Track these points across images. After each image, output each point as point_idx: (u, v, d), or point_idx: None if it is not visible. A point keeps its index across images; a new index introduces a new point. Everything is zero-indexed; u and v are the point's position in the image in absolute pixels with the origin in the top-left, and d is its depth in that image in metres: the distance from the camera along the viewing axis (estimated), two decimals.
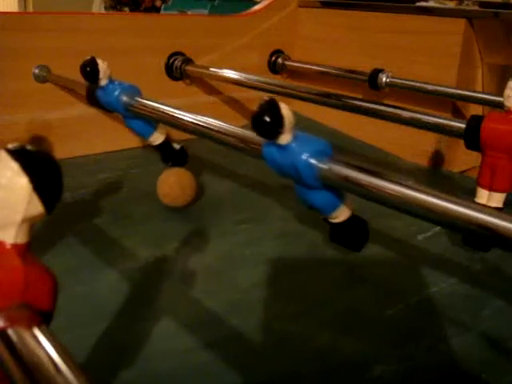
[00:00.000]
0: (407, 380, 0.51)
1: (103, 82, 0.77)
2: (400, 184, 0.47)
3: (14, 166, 0.27)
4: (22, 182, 0.27)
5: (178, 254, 0.71)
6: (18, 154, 0.27)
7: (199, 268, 0.68)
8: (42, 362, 0.26)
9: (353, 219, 0.63)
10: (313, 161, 0.52)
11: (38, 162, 0.27)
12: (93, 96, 0.81)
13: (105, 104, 0.79)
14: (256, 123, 0.49)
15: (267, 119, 0.49)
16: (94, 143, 1.04)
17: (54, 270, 0.63)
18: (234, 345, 0.55)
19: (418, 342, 0.56)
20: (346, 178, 0.50)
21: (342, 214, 0.62)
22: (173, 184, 0.81)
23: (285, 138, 0.52)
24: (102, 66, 0.75)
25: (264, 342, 0.55)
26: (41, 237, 0.71)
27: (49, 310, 0.29)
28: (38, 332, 0.27)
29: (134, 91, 0.78)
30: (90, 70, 0.75)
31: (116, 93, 0.76)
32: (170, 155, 0.86)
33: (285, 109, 0.50)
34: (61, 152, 0.97)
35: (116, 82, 0.77)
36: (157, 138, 0.83)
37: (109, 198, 0.86)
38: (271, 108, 0.50)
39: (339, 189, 0.56)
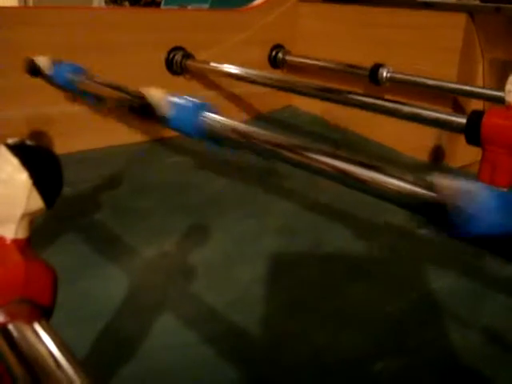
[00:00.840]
0: (408, 375, 0.51)
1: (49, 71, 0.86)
2: (395, 177, 0.47)
3: (14, 161, 0.27)
4: (22, 177, 0.27)
5: (178, 250, 0.71)
6: (18, 149, 0.27)
7: (200, 263, 0.68)
8: (42, 357, 0.26)
9: None
10: None
11: (37, 157, 0.27)
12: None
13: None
14: None
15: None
16: (94, 138, 1.03)
17: (56, 266, 0.63)
18: (234, 340, 0.55)
19: (418, 338, 0.56)
20: None
21: None
22: None
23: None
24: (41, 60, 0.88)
25: (264, 337, 0.55)
26: (42, 232, 0.71)
27: (49, 305, 0.29)
28: (38, 327, 0.27)
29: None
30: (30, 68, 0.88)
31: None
32: None
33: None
34: (61, 147, 0.96)
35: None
36: None
37: (110, 193, 0.85)
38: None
39: None
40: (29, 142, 0.27)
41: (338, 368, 0.51)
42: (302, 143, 0.58)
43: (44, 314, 0.28)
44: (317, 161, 0.54)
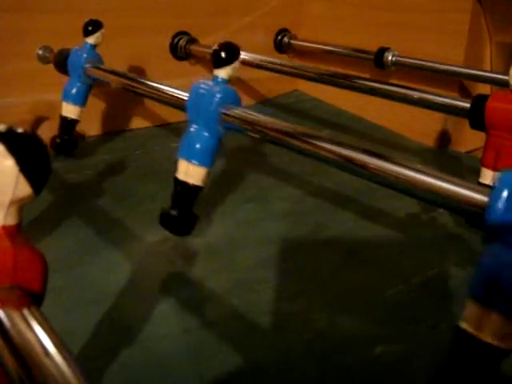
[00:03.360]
0: (407, 360, 0.51)
1: None
2: (402, 165, 0.47)
3: (0, 147, 0.26)
4: (9, 163, 0.26)
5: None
6: (4, 136, 0.27)
7: (201, 248, 0.68)
8: (30, 344, 0.26)
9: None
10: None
11: (24, 144, 0.27)
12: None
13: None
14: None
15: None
16: (96, 124, 1.03)
17: (57, 251, 0.64)
18: (234, 325, 0.55)
19: (418, 323, 0.56)
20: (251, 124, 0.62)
21: (197, 178, 0.66)
22: None
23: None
24: None
25: (264, 322, 0.55)
26: (44, 217, 0.72)
27: (39, 291, 0.29)
28: (27, 313, 0.27)
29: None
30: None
31: None
32: None
33: None
34: None
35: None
36: None
37: (112, 179, 0.86)
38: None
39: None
40: (15, 129, 0.27)
41: (337, 351, 0.51)
42: (307, 130, 0.58)
43: (34, 300, 0.28)
44: (323, 148, 0.54)
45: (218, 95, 0.65)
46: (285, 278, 0.63)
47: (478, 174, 0.70)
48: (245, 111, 0.65)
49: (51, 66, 0.94)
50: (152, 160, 0.94)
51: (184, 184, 0.67)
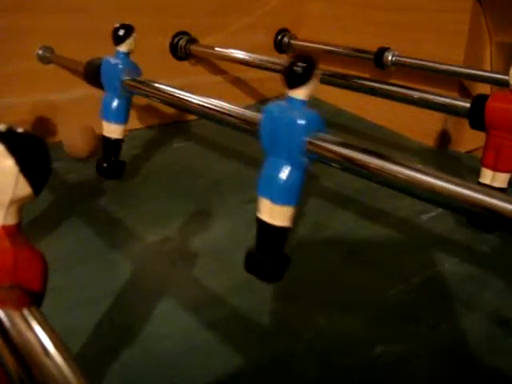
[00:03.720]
0: (407, 360, 0.51)
1: None
2: (403, 165, 0.47)
3: (0, 147, 0.26)
4: (8, 163, 0.27)
5: (180, 235, 0.71)
6: (4, 136, 0.27)
7: (201, 248, 0.68)
8: (30, 344, 0.26)
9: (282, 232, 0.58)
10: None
11: (24, 144, 0.27)
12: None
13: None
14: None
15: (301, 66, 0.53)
16: (98, 124, 1.03)
17: (57, 251, 0.64)
18: (235, 325, 0.55)
19: (418, 323, 0.56)
20: (339, 155, 0.51)
21: (284, 218, 0.57)
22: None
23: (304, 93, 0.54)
24: None
25: (264, 322, 0.55)
26: (45, 217, 0.72)
27: (39, 291, 0.29)
28: (27, 313, 0.27)
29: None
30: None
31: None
32: None
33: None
34: None
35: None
36: None
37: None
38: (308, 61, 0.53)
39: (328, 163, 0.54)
40: (15, 129, 0.27)
41: (337, 351, 0.51)
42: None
43: (34, 300, 0.28)
44: (323, 148, 0.54)
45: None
46: (284, 278, 0.63)
47: (478, 173, 0.71)
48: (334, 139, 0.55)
49: (52, 66, 0.94)
50: (153, 160, 0.94)
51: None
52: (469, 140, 1.04)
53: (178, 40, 1.13)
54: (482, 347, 0.52)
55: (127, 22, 1.03)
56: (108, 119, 0.82)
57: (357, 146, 0.51)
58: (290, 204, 0.58)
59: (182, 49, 1.13)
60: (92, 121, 0.99)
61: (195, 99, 0.67)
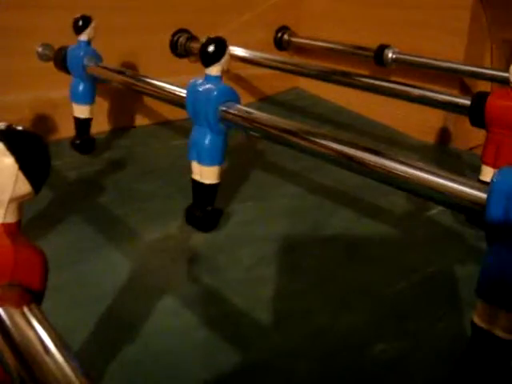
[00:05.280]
0: (407, 358, 0.51)
1: None
2: (402, 163, 0.47)
3: (0, 146, 0.26)
4: (8, 161, 0.27)
5: (180, 232, 0.71)
6: (4, 134, 0.27)
7: (202, 246, 0.68)
8: (30, 341, 0.26)
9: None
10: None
11: (23, 142, 0.27)
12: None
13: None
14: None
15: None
16: (97, 121, 1.03)
17: (58, 248, 0.64)
18: (236, 322, 0.55)
19: (419, 320, 0.56)
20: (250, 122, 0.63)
21: (211, 176, 0.69)
22: None
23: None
24: None
25: (265, 320, 0.55)
26: (45, 215, 0.72)
27: (39, 289, 0.29)
28: (27, 311, 0.27)
29: None
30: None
31: None
32: None
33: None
34: (65, 131, 0.97)
35: None
36: None
37: (113, 176, 0.85)
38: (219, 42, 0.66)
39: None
40: (15, 127, 0.27)
41: (337, 349, 0.51)
42: (307, 128, 0.58)
43: (34, 298, 0.28)
44: (323, 146, 0.54)
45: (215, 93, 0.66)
46: (285, 275, 0.63)
47: (478, 171, 0.71)
48: (244, 109, 0.65)
49: (52, 64, 0.94)
50: (152, 158, 0.94)
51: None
52: (469, 137, 1.04)
53: (178, 38, 1.12)
54: None
55: (127, 20, 1.03)
56: (76, 101, 0.92)
57: (261, 113, 0.64)
58: (215, 164, 0.69)
59: (182, 46, 1.12)
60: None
61: (142, 80, 0.80)
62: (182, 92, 0.70)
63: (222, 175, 0.73)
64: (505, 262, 0.39)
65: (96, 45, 0.90)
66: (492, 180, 0.39)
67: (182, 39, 1.12)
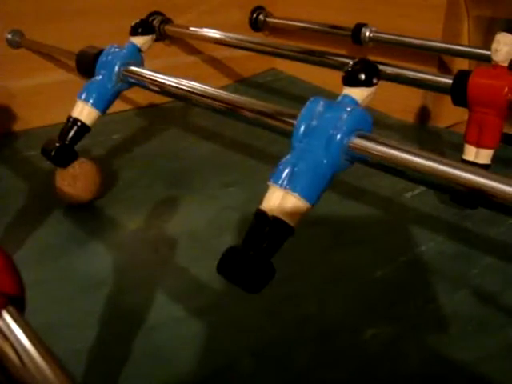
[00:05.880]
0: (398, 342, 0.50)
1: None
2: (383, 144, 0.46)
3: None
4: None
5: (162, 221, 0.70)
6: None
7: (185, 234, 0.67)
8: (8, 344, 0.25)
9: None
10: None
11: None
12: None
13: None
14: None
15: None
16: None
17: (39, 243, 0.62)
18: (224, 312, 0.54)
19: (408, 303, 0.55)
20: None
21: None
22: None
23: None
24: None
25: (252, 309, 0.54)
26: (23, 208, 0.70)
27: (13, 292, 0.27)
28: (5, 314, 0.26)
29: None
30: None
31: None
32: None
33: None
34: (39, 119, 0.95)
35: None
36: None
37: None
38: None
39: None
40: None
41: (326, 335, 0.51)
42: (285, 109, 0.56)
43: (11, 301, 0.27)
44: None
45: None
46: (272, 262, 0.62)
47: (458, 148, 0.70)
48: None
49: (21, 51, 0.91)
50: (132, 144, 0.92)
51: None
52: (448, 115, 1.04)
53: (152, 20, 1.10)
54: (471, 325, 0.52)
55: (100, 3, 1.00)
56: (87, 101, 0.79)
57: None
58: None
59: (157, 29, 1.10)
60: (65, 106, 0.97)
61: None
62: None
63: (202, 161, 0.72)
64: None
65: (72, 30, 0.88)
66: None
67: (155, 22, 1.10)
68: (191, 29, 1.09)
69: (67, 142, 0.71)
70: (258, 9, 1.27)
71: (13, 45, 0.94)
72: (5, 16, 0.92)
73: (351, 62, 0.50)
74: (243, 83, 1.26)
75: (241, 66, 1.27)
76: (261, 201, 0.74)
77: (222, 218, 0.70)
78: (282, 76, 1.29)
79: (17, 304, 0.27)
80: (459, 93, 0.66)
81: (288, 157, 0.48)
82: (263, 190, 0.77)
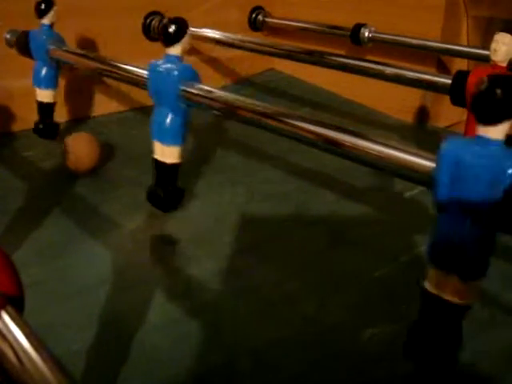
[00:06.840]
0: (397, 342, 0.50)
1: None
2: (380, 143, 0.46)
3: None
4: None
5: (159, 220, 0.70)
6: None
7: (182, 234, 0.67)
8: (7, 344, 0.25)
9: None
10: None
11: None
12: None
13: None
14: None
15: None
16: (66, 110, 1.01)
17: (39, 243, 0.62)
18: (222, 313, 0.54)
19: (407, 303, 0.55)
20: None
21: (173, 156, 0.68)
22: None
23: None
24: None
25: (250, 309, 0.54)
26: (23, 208, 0.70)
27: (12, 292, 0.27)
28: (4, 314, 0.26)
29: None
30: None
31: None
32: None
33: None
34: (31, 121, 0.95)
35: None
36: None
37: None
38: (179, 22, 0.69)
39: None
40: None
41: (326, 336, 0.51)
42: (283, 110, 0.56)
43: (10, 301, 0.27)
44: (299, 127, 0.53)
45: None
46: (268, 262, 0.62)
47: None
48: (204, 88, 0.65)
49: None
50: (130, 144, 0.92)
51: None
52: (447, 115, 1.04)
53: (151, 20, 1.10)
54: (471, 323, 0.52)
55: (99, 2, 1.00)
56: (39, 86, 0.90)
57: (222, 91, 0.64)
58: (176, 144, 0.68)
59: (155, 29, 1.10)
60: (61, 106, 0.97)
61: (106, 63, 0.79)
62: (144, 73, 0.70)
63: (199, 161, 0.72)
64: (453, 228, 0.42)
65: (68, 29, 0.88)
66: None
67: (154, 22, 1.09)
68: (190, 29, 1.09)
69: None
70: (257, 9, 1.27)
71: (12, 45, 0.94)
72: (4, 16, 0.92)
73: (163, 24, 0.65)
74: (242, 83, 1.26)
75: (240, 66, 1.27)
76: (261, 200, 0.75)
77: (221, 218, 0.70)
78: (281, 76, 1.29)
79: (15, 304, 0.27)
80: (458, 93, 0.66)
81: None
82: (262, 189, 0.78)
